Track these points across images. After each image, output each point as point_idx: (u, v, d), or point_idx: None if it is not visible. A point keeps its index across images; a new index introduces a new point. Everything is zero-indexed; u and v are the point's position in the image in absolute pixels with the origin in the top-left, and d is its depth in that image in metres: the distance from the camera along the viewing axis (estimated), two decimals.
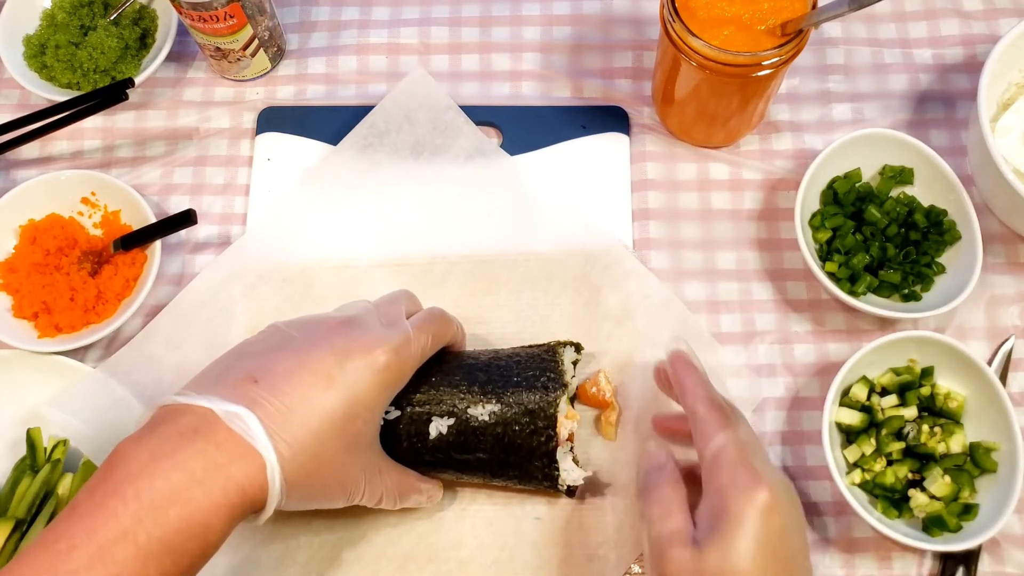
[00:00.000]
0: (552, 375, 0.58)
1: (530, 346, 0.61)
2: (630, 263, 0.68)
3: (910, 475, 0.61)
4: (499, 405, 0.56)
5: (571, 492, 0.60)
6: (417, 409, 0.57)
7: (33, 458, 0.63)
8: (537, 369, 0.58)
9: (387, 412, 0.56)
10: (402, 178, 0.71)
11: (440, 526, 0.62)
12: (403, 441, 0.57)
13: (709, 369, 0.56)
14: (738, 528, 0.46)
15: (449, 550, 0.61)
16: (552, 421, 0.56)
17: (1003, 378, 0.66)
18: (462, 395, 0.57)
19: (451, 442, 0.56)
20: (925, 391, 0.62)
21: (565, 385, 0.58)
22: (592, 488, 0.62)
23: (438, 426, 0.56)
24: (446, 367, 0.59)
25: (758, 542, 0.46)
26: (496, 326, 0.66)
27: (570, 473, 0.57)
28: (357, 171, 0.71)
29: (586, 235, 0.69)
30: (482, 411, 0.56)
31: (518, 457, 0.56)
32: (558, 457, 0.57)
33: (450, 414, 0.56)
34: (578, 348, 0.62)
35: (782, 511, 0.47)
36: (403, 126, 0.73)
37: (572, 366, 0.61)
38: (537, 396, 0.56)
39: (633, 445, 0.63)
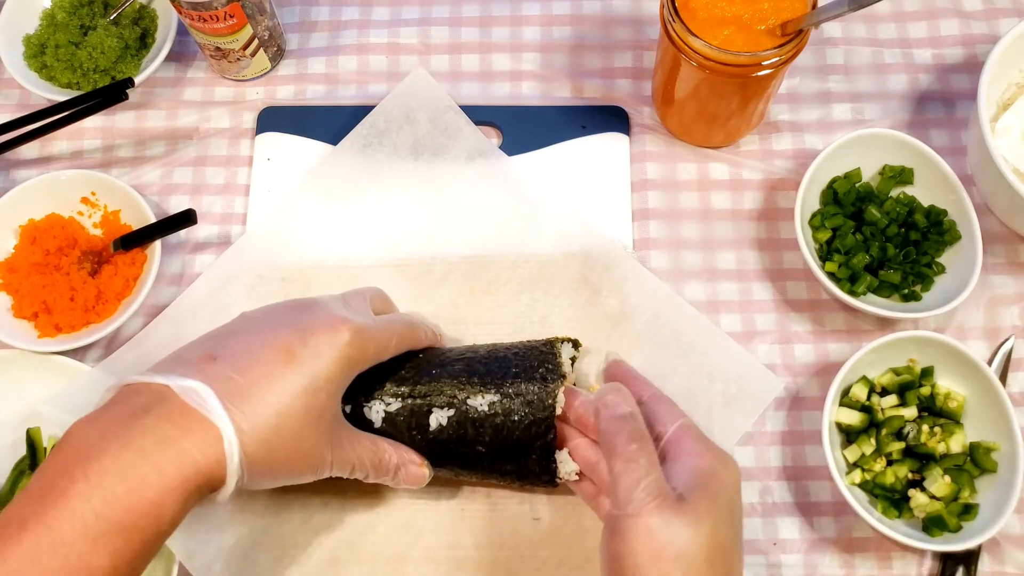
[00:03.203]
0: (550, 366, 0.58)
1: (529, 341, 0.61)
2: (629, 264, 0.68)
3: (910, 475, 0.61)
4: (498, 395, 0.56)
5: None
6: (418, 401, 0.57)
7: (33, 458, 0.63)
8: (536, 360, 0.58)
9: (387, 404, 0.57)
10: (402, 178, 0.71)
11: (438, 526, 0.62)
12: (404, 434, 0.57)
13: (724, 364, 0.64)
14: (721, 491, 0.50)
15: (447, 550, 0.61)
16: (550, 412, 0.56)
17: (1003, 378, 0.66)
18: (462, 386, 0.57)
19: (451, 434, 0.56)
20: (925, 391, 0.62)
21: (563, 376, 0.58)
22: None
23: (438, 418, 0.56)
24: (447, 361, 0.59)
25: (734, 507, 0.51)
26: (496, 327, 0.66)
27: (565, 465, 0.57)
28: (357, 171, 0.71)
29: (585, 236, 0.69)
30: (481, 401, 0.56)
31: (516, 449, 0.56)
32: (555, 449, 0.57)
33: (450, 405, 0.56)
34: (576, 344, 0.62)
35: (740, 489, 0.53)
36: (403, 126, 0.72)
37: (571, 362, 0.61)
38: (536, 387, 0.56)
39: None
